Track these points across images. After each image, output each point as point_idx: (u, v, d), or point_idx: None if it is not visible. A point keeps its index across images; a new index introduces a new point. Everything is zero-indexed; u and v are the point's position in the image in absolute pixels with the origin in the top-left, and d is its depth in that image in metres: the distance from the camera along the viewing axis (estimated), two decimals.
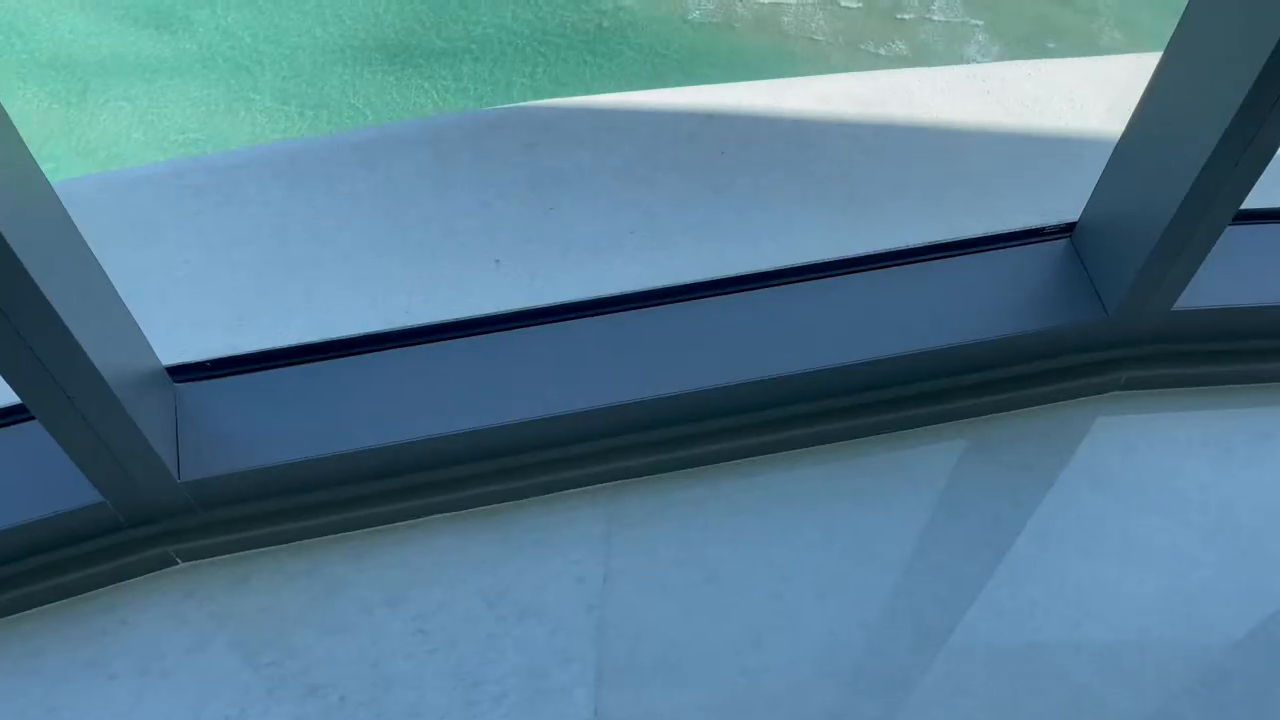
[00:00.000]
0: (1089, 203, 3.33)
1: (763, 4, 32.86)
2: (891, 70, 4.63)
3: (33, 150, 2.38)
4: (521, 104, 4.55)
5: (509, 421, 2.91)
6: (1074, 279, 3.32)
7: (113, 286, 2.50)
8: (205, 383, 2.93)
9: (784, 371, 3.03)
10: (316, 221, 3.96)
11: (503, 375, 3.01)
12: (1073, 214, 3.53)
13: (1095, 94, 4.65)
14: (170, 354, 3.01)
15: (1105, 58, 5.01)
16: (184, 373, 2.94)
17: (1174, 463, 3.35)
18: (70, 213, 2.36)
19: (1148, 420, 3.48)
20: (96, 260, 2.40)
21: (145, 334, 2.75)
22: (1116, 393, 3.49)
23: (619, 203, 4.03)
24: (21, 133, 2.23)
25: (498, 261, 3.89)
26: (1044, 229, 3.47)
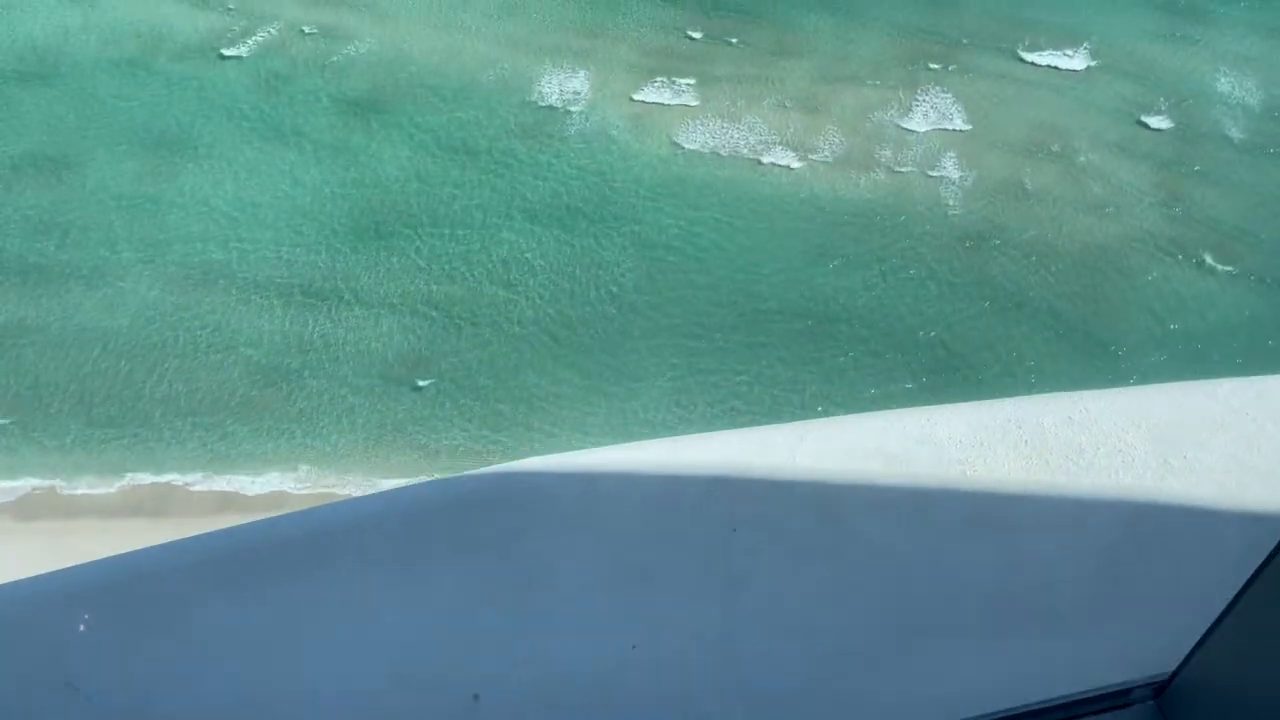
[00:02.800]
0: (1188, 664, 2.81)
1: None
2: (918, 411, 4.16)
3: None
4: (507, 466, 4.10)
5: None
6: None
7: None
8: None
9: None
10: None
11: None
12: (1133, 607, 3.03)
13: (1144, 441, 4.20)
14: None
15: (1146, 390, 4.59)
16: None
17: None
18: None
19: None
20: None
21: None
22: None
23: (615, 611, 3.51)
24: None
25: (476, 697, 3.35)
26: (1130, 690, 2.95)
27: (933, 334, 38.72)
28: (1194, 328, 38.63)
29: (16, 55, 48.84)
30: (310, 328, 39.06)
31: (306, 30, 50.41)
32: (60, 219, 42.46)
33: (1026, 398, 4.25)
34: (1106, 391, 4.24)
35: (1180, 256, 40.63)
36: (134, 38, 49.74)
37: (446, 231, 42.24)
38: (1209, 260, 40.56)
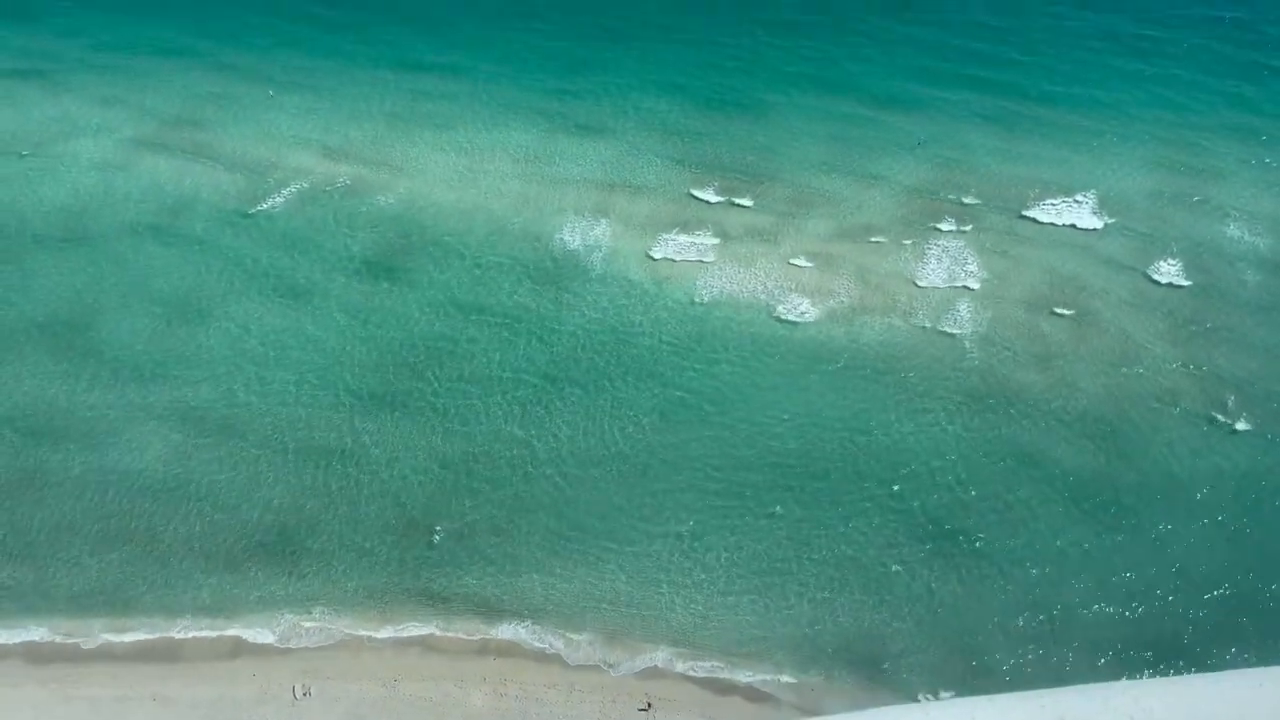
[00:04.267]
0: None
1: None
2: (964, 702, 4.23)
3: None
4: None
5: None
6: None
7: None
8: None
9: None
10: None
11: None
12: None
13: None
14: None
15: (1205, 681, 4.68)
16: None
17: None
18: None
19: None
20: None
21: None
22: None
23: None
24: None
25: None
26: None
27: (950, 485, 38.66)
28: (1213, 496, 38.43)
29: (46, 220, 50.65)
30: (328, 476, 39.28)
31: (339, 182, 52.45)
32: (66, 388, 43.40)
33: (1078, 689, 4.40)
34: (1162, 683, 4.36)
35: (1196, 417, 40.83)
36: (163, 200, 51.78)
37: (462, 380, 42.82)
38: (1221, 419, 40.72)
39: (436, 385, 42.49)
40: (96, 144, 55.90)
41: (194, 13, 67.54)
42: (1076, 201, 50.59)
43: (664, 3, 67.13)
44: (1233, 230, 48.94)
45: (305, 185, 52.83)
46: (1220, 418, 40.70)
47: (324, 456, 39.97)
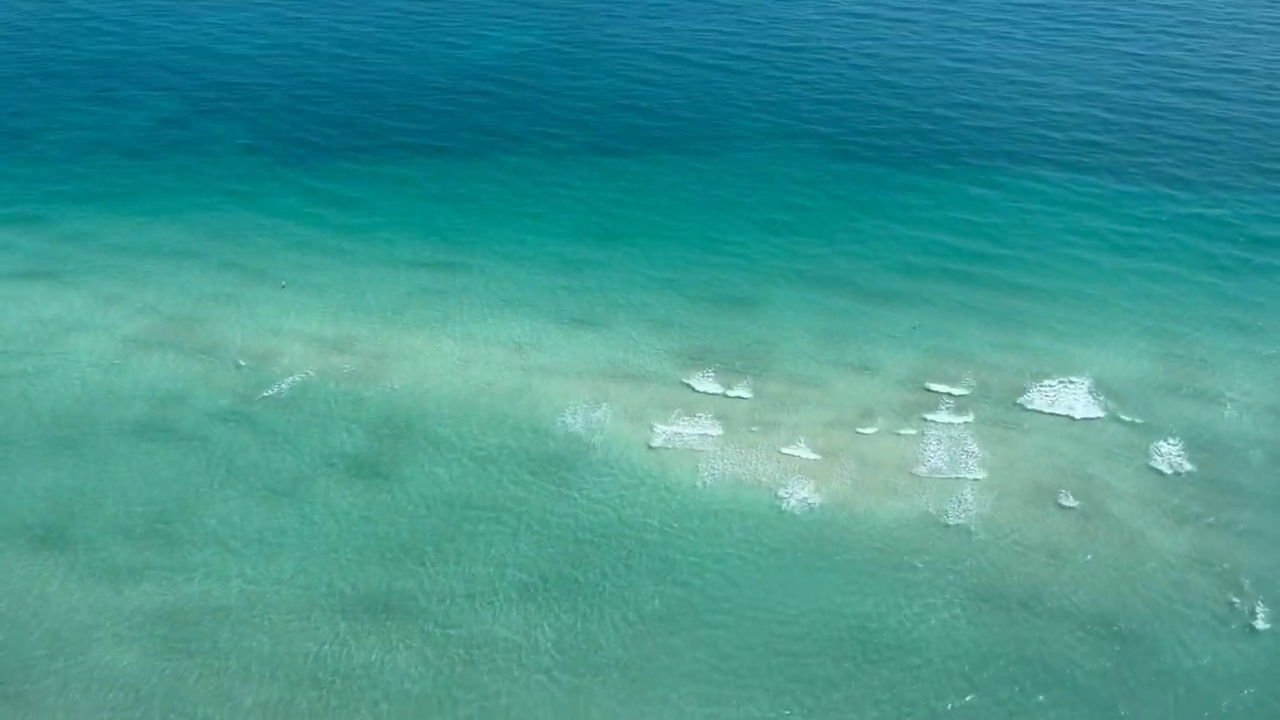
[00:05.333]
0: None
1: None
2: None
3: None
4: None
5: None
6: None
7: None
8: None
9: None
10: None
11: None
12: None
13: None
14: None
15: None
16: None
17: None
18: None
19: None
20: None
21: None
22: None
23: None
24: None
25: None
26: None
27: (961, 686, 36.85)
28: (1233, 701, 36.61)
29: (36, 421, 50.37)
30: (308, 684, 37.41)
31: (335, 375, 52.65)
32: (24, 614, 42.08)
33: None
34: None
35: (1212, 616, 39.42)
36: (157, 397, 51.65)
37: (450, 579, 41.50)
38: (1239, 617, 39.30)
39: (426, 585, 41.13)
40: (95, 342, 56.41)
41: (204, 215, 69.82)
42: (1072, 390, 50.76)
43: (660, 204, 69.69)
44: (1232, 419, 48.89)
45: (300, 378, 52.99)
46: (1237, 616, 39.25)
47: (304, 662, 38.12)
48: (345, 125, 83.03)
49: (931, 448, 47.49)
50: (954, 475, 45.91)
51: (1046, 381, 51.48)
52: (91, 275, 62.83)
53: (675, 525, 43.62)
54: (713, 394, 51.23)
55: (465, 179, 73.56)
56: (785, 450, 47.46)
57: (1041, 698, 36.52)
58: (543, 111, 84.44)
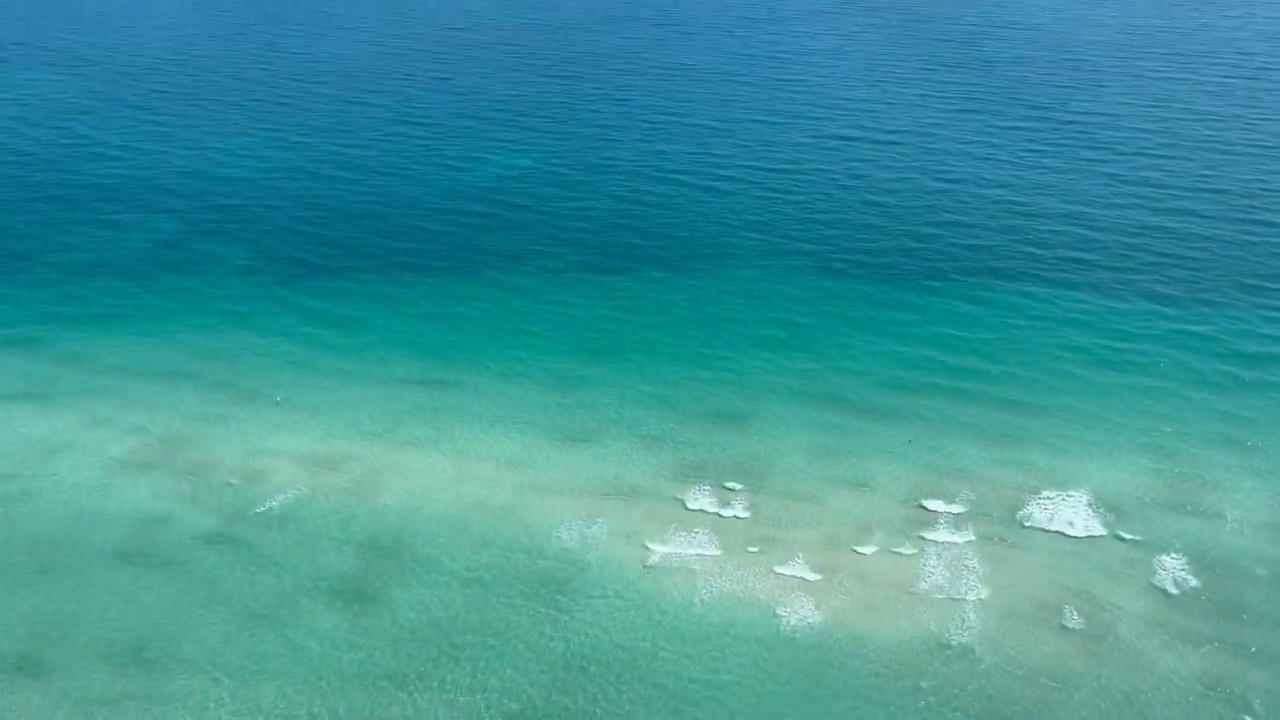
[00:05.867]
0: None
1: None
2: None
3: None
4: None
5: None
6: None
7: None
8: None
9: None
10: None
11: None
12: None
13: None
14: None
15: None
16: None
17: None
18: None
19: None
20: None
21: None
22: None
23: None
24: None
25: None
26: None
27: None
28: None
29: (12, 548, 49.46)
30: None
31: (324, 494, 51.97)
32: None
33: None
34: None
35: None
36: (140, 521, 50.83)
37: (437, 711, 40.09)
38: None
39: (410, 713, 39.69)
40: (81, 464, 55.89)
41: (199, 336, 70.11)
42: (1071, 506, 50.16)
43: (654, 321, 70.20)
44: (1234, 536, 48.17)
45: (291, 495, 52.32)
46: None
47: None
48: (345, 246, 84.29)
49: (931, 565, 46.63)
50: (955, 594, 44.93)
51: (1044, 499, 50.91)
52: (83, 396, 62.69)
53: (670, 648, 42.40)
54: (708, 511, 50.56)
55: (463, 298, 74.27)
56: (782, 569, 46.57)
57: None
58: (540, 231, 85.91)
